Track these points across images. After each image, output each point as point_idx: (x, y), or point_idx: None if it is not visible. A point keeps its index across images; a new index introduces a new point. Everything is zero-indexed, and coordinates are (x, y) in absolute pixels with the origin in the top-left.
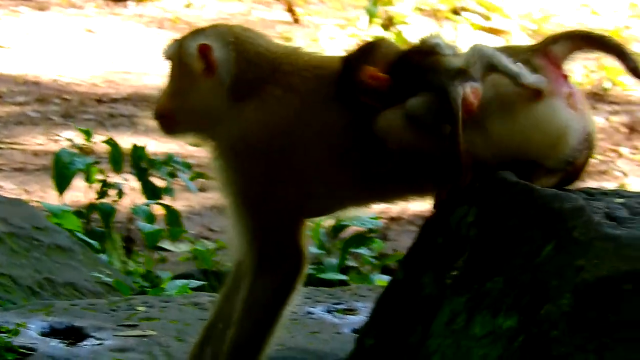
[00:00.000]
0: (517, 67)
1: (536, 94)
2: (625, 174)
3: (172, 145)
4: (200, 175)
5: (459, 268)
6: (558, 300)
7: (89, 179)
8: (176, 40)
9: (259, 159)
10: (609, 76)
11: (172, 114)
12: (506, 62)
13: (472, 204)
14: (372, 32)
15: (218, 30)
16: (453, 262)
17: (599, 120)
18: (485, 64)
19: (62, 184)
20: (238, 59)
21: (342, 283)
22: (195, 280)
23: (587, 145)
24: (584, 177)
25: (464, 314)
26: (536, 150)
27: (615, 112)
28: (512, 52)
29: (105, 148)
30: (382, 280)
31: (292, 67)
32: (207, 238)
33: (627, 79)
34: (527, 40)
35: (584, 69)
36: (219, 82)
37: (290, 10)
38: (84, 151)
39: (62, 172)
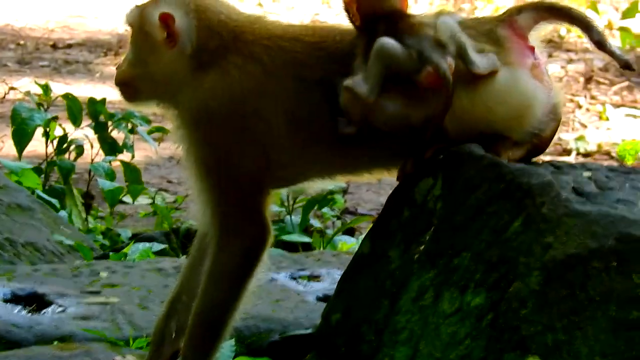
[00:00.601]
0: (474, 55)
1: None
2: (584, 125)
3: None
4: (159, 129)
5: (426, 242)
6: (527, 278)
7: (48, 135)
8: (137, 7)
9: (220, 128)
10: None
11: (133, 82)
12: (468, 47)
13: (438, 176)
14: None
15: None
16: (419, 237)
17: (555, 69)
18: (454, 43)
19: (21, 142)
20: (199, 28)
21: (305, 246)
22: (158, 243)
23: (554, 117)
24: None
25: (432, 290)
26: (501, 122)
27: (572, 61)
28: (477, 22)
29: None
30: (346, 242)
31: (254, 36)
32: (165, 190)
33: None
34: None
35: None
36: (181, 52)
37: None
38: (42, 105)
39: (20, 128)
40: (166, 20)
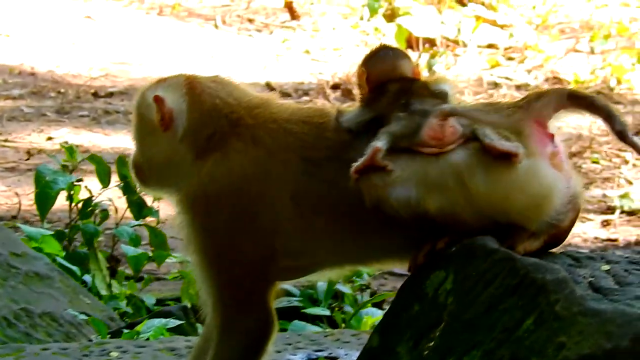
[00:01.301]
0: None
1: (512, 158)
2: (629, 182)
3: None
4: None
5: (435, 338)
6: None
7: (72, 199)
8: (140, 91)
9: (220, 214)
10: (614, 74)
11: (141, 167)
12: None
13: (450, 270)
14: (374, 23)
15: (176, 81)
16: (429, 332)
17: (601, 123)
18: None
19: (44, 206)
20: (191, 112)
21: (329, 319)
22: (174, 318)
23: (572, 207)
24: (588, 187)
25: None
26: (519, 212)
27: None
28: (495, 108)
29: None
30: (372, 316)
31: (255, 120)
32: None
33: (635, 77)
34: (531, 34)
35: (589, 66)
36: (175, 136)
37: (290, 8)
38: (67, 166)
39: (44, 192)
40: (158, 102)
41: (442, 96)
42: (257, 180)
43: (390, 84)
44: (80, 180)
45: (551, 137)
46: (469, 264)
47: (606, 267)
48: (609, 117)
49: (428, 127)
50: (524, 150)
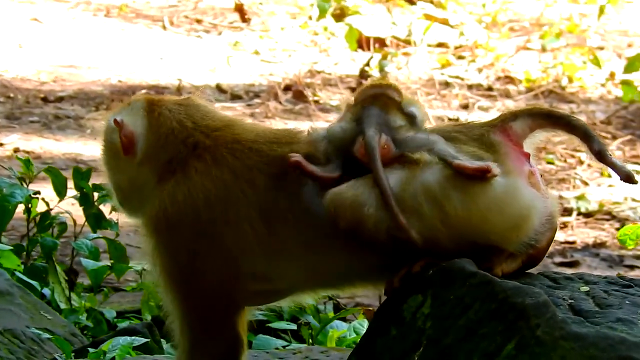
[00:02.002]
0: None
1: (485, 174)
2: (585, 183)
3: None
4: None
5: None
6: None
7: (29, 212)
8: (107, 115)
9: (181, 237)
10: (566, 72)
11: (116, 192)
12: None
13: (427, 293)
14: (323, 23)
15: (137, 104)
16: (408, 356)
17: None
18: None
19: (1, 221)
20: (149, 135)
21: (293, 333)
22: (139, 336)
23: (549, 226)
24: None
25: None
26: (497, 233)
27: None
28: (467, 127)
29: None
30: (336, 329)
31: (217, 142)
32: None
33: (586, 76)
34: (481, 32)
35: (540, 64)
36: (136, 159)
37: (240, 10)
38: (24, 179)
39: (1, 205)
40: (118, 127)
41: (411, 117)
42: (220, 201)
43: (368, 99)
44: (38, 192)
45: (527, 156)
46: (447, 288)
47: (585, 288)
48: (587, 137)
49: (359, 143)
50: (496, 166)
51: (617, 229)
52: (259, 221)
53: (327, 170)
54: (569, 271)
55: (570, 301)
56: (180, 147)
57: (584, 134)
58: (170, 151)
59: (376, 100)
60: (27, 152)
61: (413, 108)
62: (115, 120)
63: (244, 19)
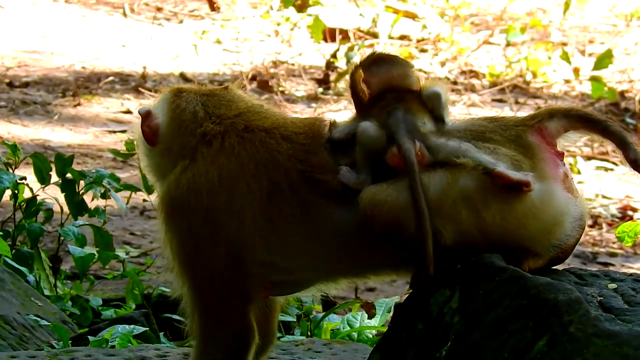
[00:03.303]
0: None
1: (523, 188)
2: None
3: (87, 137)
4: (128, 186)
5: (442, 358)
6: None
7: (16, 198)
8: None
9: (184, 221)
10: (530, 67)
11: (149, 177)
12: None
13: (455, 288)
14: (285, 13)
15: (164, 96)
16: (435, 351)
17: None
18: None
19: None
20: (169, 125)
21: (285, 325)
22: (137, 324)
23: (579, 226)
24: None
25: None
26: (530, 238)
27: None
28: (504, 127)
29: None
30: (330, 322)
31: (229, 128)
32: (129, 243)
33: (550, 71)
34: (442, 25)
35: (504, 59)
36: (159, 146)
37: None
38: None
39: None
40: (145, 117)
41: (434, 99)
42: (224, 190)
43: (386, 94)
44: (24, 178)
45: (561, 156)
46: (476, 283)
47: (613, 285)
48: (623, 145)
49: (392, 153)
50: (533, 176)
51: (590, 226)
52: (261, 218)
53: (359, 180)
54: None
55: (599, 298)
56: (193, 133)
57: (620, 141)
58: (183, 141)
59: (399, 101)
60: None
61: (435, 88)
62: (139, 112)
63: (213, 7)
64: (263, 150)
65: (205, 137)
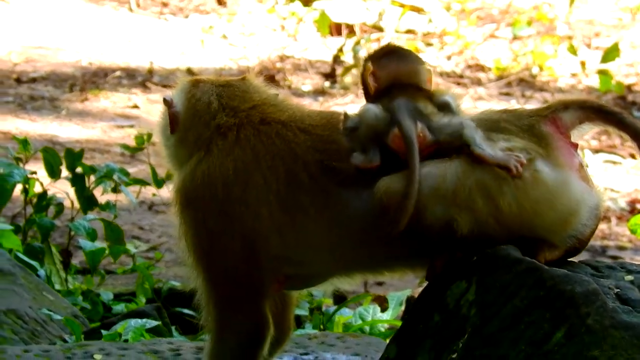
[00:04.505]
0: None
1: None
2: None
3: (95, 132)
4: (137, 181)
5: (459, 350)
6: None
7: (27, 192)
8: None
9: (199, 211)
10: (536, 60)
11: (169, 166)
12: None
13: (472, 280)
14: (291, 8)
15: (182, 85)
16: (452, 343)
17: None
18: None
19: (0, 201)
20: (187, 114)
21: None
22: (149, 318)
23: (595, 216)
24: None
25: None
26: (546, 227)
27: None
28: (515, 116)
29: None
30: (342, 315)
31: (245, 120)
32: (137, 237)
33: (556, 64)
34: (448, 19)
35: (510, 52)
36: (176, 135)
37: None
38: (20, 159)
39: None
40: (167, 104)
41: (445, 108)
42: (240, 183)
43: (395, 88)
44: (35, 173)
45: (575, 147)
46: (492, 275)
47: (630, 277)
48: (638, 137)
49: (393, 134)
50: (514, 161)
51: None
52: (278, 210)
53: (367, 159)
54: None
55: (616, 290)
56: (210, 124)
57: (635, 134)
58: (198, 132)
59: (403, 91)
60: (3, 133)
61: (445, 97)
62: (164, 99)
63: (220, 1)
64: (280, 142)
65: (219, 129)
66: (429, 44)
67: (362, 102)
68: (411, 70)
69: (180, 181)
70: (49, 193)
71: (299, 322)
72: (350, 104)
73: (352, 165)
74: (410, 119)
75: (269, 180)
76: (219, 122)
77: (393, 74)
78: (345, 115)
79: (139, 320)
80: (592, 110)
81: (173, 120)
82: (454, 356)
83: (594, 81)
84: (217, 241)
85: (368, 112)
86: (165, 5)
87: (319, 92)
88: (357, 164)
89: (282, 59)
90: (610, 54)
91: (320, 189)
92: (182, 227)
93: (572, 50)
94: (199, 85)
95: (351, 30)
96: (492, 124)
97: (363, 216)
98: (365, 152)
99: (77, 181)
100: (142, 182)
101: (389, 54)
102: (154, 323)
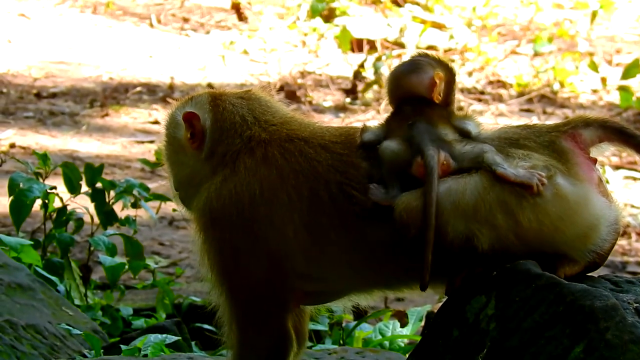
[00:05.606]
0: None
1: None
2: None
3: (116, 147)
4: (158, 196)
5: None
6: None
7: (47, 207)
8: (169, 111)
9: (224, 233)
10: (557, 77)
11: (178, 188)
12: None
13: (491, 295)
14: (312, 23)
15: (201, 99)
16: (471, 358)
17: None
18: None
19: (19, 215)
20: (213, 130)
21: (316, 334)
22: (169, 333)
23: (614, 231)
24: None
25: None
26: (566, 243)
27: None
28: (537, 133)
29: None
30: (362, 331)
31: (272, 136)
32: (158, 253)
33: (577, 81)
34: (469, 35)
35: (531, 69)
36: (201, 154)
37: (237, 9)
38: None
39: (19, 200)
40: (190, 119)
41: (467, 134)
42: (265, 202)
43: (405, 103)
44: (54, 187)
45: (594, 162)
46: (512, 289)
47: None
48: None
49: (417, 164)
50: (537, 179)
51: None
52: (302, 229)
53: (388, 196)
54: None
55: (635, 305)
56: (237, 140)
57: None
58: (227, 144)
59: (421, 114)
60: (23, 148)
61: (467, 123)
62: (188, 114)
63: (241, 17)
64: (302, 160)
65: (250, 142)
66: (450, 60)
67: (382, 118)
68: (411, 82)
69: (205, 200)
70: (69, 208)
71: (319, 337)
72: (372, 119)
73: (370, 199)
74: (433, 147)
75: (293, 199)
76: (251, 134)
77: (398, 88)
78: (363, 128)
79: (159, 336)
80: (612, 131)
81: (199, 135)
82: None
83: (615, 97)
84: (242, 260)
85: (385, 150)
86: (186, 21)
87: (340, 108)
88: (376, 200)
89: (303, 74)
90: (631, 70)
91: (339, 214)
92: (205, 245)
93: (593, 67)
94: (222, 98)
95: (372, 46)
96: (512, 141)
97: (380, 244)
98: (385, 185)
99: (97, 196)
100: (162, 198)
101: (398, 67)
102: (173, 338)
